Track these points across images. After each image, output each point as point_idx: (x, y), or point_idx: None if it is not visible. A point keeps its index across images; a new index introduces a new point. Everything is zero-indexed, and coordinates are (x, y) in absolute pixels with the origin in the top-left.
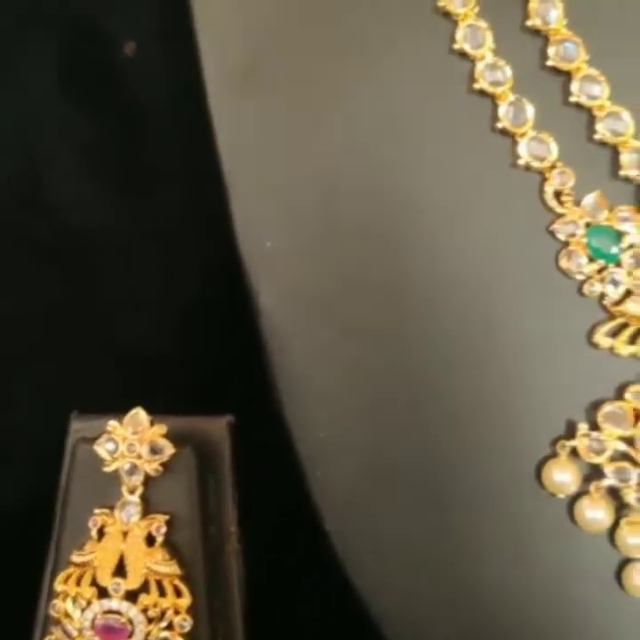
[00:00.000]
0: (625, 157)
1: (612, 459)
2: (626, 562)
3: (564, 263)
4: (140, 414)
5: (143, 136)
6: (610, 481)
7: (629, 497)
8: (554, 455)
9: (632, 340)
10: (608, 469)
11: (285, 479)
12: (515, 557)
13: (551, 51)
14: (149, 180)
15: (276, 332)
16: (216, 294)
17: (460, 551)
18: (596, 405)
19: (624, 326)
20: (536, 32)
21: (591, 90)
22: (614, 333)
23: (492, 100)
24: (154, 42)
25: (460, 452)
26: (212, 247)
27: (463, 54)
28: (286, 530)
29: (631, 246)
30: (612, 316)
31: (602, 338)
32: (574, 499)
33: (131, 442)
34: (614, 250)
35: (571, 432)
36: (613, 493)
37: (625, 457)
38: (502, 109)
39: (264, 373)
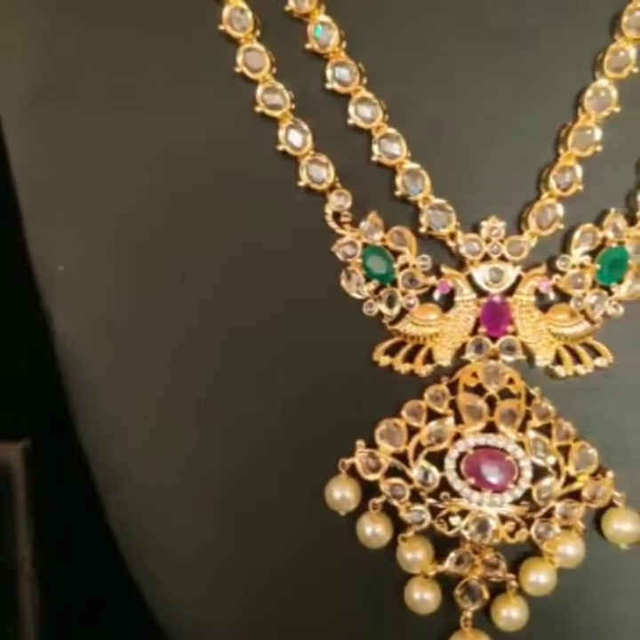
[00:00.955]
0: (399, 179)
1: (388, 475)
2: (407, 577)
3: (344, 284)
4: None
5: None
6: (385, 497)
7: (402, 513)
8: (337, 473)
9: (409, 358)
10: (383, 486)
11: (82, 503)
12: (302, 573)
13: (329, 74)
14: None
15: (71, 355)
16: (12, 317)
17: (252, 569)
18: (375, 423)
19: (402, 345)
20: (318, 55)
21: (367, 112)
22: (393, 352)
23: (275, 123)
24: None
25: (250, 471)
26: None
27: (246, 77)
28: (83, 553)
29: (405, 266)
30: (390, 335)
31: (381, 356)
32: (356, 515)
33: None
34: (387, 270)
35: (351, 450)
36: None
37: (398, 473)
38: (282, 132)
39: (60, 398)
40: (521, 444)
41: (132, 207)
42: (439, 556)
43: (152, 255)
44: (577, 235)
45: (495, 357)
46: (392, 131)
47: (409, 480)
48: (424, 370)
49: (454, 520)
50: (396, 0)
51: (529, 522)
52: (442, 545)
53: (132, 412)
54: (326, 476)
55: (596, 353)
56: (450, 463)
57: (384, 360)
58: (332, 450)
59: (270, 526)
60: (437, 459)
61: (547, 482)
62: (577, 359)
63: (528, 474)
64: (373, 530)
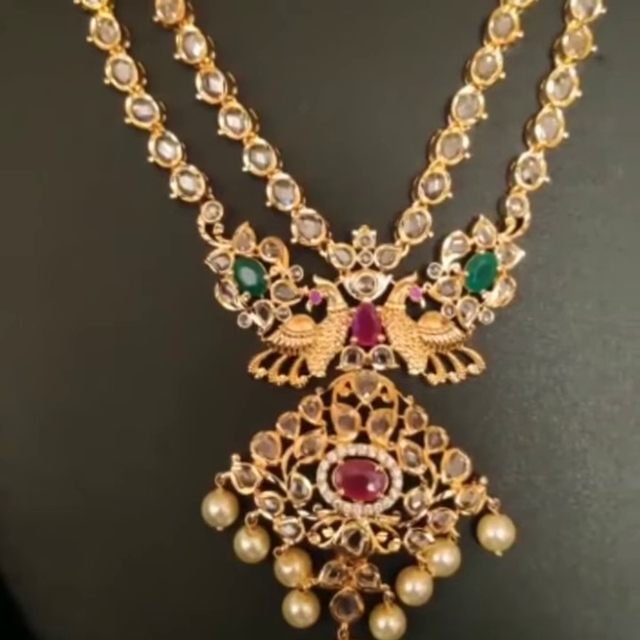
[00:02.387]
0: (270, 190)
1: (263, 488)
2: (286, 590)
3: (218, 295)
4: None
5: None
6: (260, 511)
7: (278, 527)
8: (214, 487)
9: (284, 370)
10: (257, 500)
11: None
12: (181, 590)
13: (199, 84)
14: None
15: None
16: None
17: (133, 588)
18: (252, 435)
19: (276, 356)
20: (188, 66)
21: (237, 123)
22: (268, 363)
23: (145, 134)
24: None
25: (127, 488)
26: None
27: (115, 89)
28: None
29: (278, 277)
30: (265, 347)
31: (256, 368)
32: (233, 531)
33: None
34: (258, 282)
35: (228, 463)
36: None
37: (272, 487)
38: (152, 144)
39: None
40: (392, 453)
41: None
42: (317, 568)
43: (22, 268)
44: (447, 242)
45: (369, 367)
46: (262, 141)
47: (283, 493)
48: (299, 381)
49: (327, 532)
50: (267, 8)
51: (402, 531)
52: (320, 557)
53: (7, 436)
54: (203, 490)
55: (468, 360)
56: (321, 474)
57: (259, 372)
58: (209, 464)
59: (148, 544)
60: (311, 470)
61: (417, 490)
62: (450, 366)
63: (399, 483)
64: (251, 544)
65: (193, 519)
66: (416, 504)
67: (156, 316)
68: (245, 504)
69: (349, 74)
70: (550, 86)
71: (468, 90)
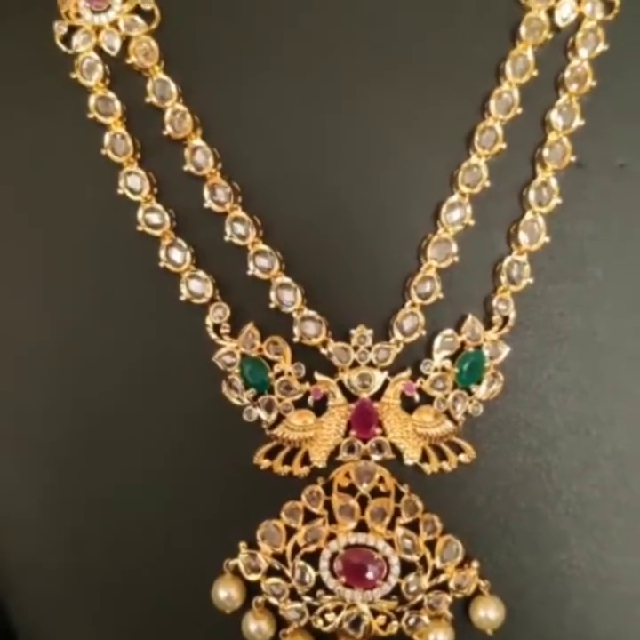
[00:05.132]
0: (273, 293)
1: (268, 574)
2: None
3: (225, 391)
4: None
5: None
6: (266, 596)
7: (283, 611)
8: (222, 573)
9: (287, 461)
10: (264, 586)
11: None
12: None
13: (206, 194)
14: None
15: None
16: None
17: None
18: (258, 523)
19: (280, 448)
20: (196, 177)
21: (241, 230)
22: (272, 454)
23: (157, 240)
24: None
25: (136, 574)
26: None
27: (128, 198)
28: None
29: (281, 374)
30: (269, 439)
31: (261, 459)
32: (241, 614)
33: None
34: (263, 379)
35: (236, 550)
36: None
37: (278, 573)
38: (163, 251)
39: None
40: (390, 541)
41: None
42: None
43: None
44: (438, 340)
45: (367, 457)
46: (265, 247)
47: (288, 579)
48: (302, 471)
49: (329, 616)
50: (266, 120)
51: (400, 614)
52: (323, 639)
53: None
54: (212, 576)
55: (459, 449)
56: (323, 562)
57: (264, 463)
58: (217, 550)
59: (159, 628)
60: (314, 557)
61: (414, 576)
62: (442, 456)
63: (397, 569)
64: (258, 627)
65: (202, 603)
66: (412, 589)
67: (165, 410)
68: (252, 588)
69: (342, 177)
70: (532, 194)
71: (455, 198)
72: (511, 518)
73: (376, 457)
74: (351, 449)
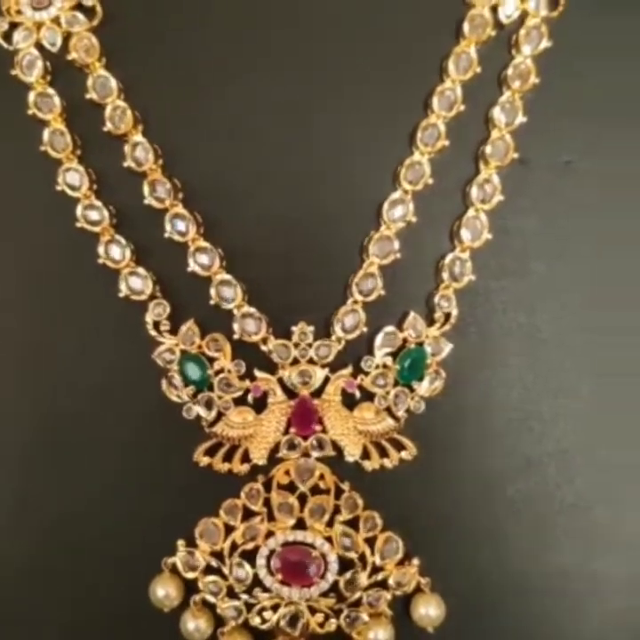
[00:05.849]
0: (213, 289)
1: (206, 573)
2: None
3: (165, 388)
4: None
5: None
6: (204, 594)
7: (221, 609)
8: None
9: (227, 458)
10: (201, 583)
11: None
12: None
13: (146, 190)
14: None
15: None
16: None
17: None
18: (196, 522)
19: (220, 445)
20: (135, 172)
21: (182, 226)
22: (212, 452)
23: (96, 237)
24: None
25: (74, 572)
26: None
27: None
28: None
29: (221, 371)
30: (209, 436)
31: (201, 457)
32: (179, 612)
33: None
34: (202, 377)
35: (174, 548)
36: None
37: (215, 571)
38: (101, 247)
39: None
40: (329, 539)
41: None
42: None
43: None
44: (379, 337)
45: (308, 455)
46: (206, 244)
47: (225, 577)
48: (241, 469)
49: (267, 614)
50: (210, 116)
51: (338, 612)
52: (262, 637)
53: None
54: (151, 574)
55: (401, 447)
56: (261, 560)
57: (204, 460)
58: (157, 548)
59: (97, 625)
60: (253, 555)
61: (352, 574)
62: (384, 453)
63: (335, 567)
64: (196, 625)
65: (140, 601)
66: (350, 586)
67: (105, 408)
68: (191, 586)
69: (285, 175)
70: (474, 191)
71: (397, 195)
72: (453, 515)
73: (316, 454)
74: (292, 446)
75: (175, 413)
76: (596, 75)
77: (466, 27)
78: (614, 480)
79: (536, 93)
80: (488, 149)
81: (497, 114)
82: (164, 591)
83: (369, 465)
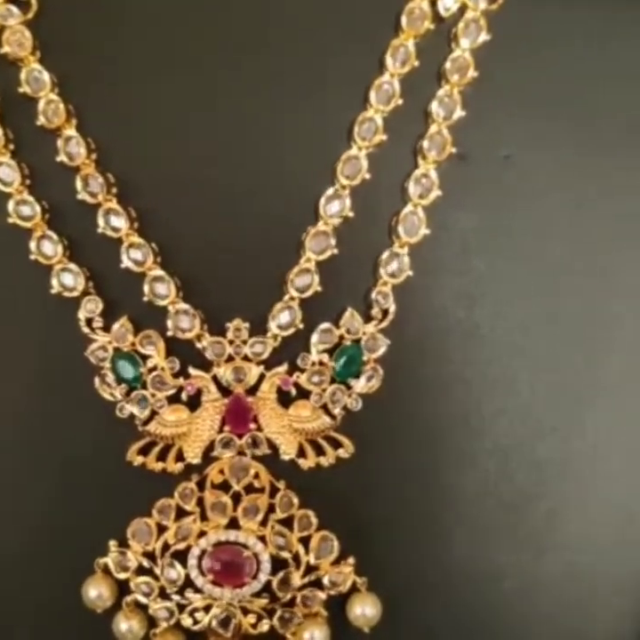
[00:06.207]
0: (147, 286)
1: (138, 573)
2: None
3: (98, 386)
4: None
5: None
6: (136, 595)
7: (153, 610)
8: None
9: (161, 457)
10: (133, 584)
11: None
12: None
13: (79, 185)
14: None
15: None
16: None
17: None
18: (130, 522)
19: (154, 444)
20: (68, 167)
21: (115, 222)
22: (146, 451)
23: (28, 233)
24: None
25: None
26: None
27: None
28: None
29: (155, 368)
30: (142, 435)
31: (134, 456)
32: (113, 613)
33: None
34: (134, 375)
35: (107, 549)
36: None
37: (147, 571)
38: (33, 243)
39: None
40: (262, 538)
41: None
42: None
43: None
44: (315, 334)
45: (243, 453)
46: (139, 239)
47: (157, 577)
48: (175, 468)
49: (199, 615)
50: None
51: (272, 612)
52: (195, 638)
53: None
54: (83, 574)
55: (338, 444)
56: (192, 560)
57: (138, 459)
58: (89, 548)
59: (29, 627)
60: (185, 556)
61: (286, 574)
62: (320, 451)
63: (267, 566)
64: (129, 626)
65: (73, 602)
66: (284, 586)
67: (37, 406)
68: (125, 587)
69: (221, 170)
70: (412, 186)
71: (335, 189)
72: (391, 514)
73: (252, 452)
74: (226, 445)
75: (109, 412)
76: (535, 68)
77: (404, 20)
78: (553, 478)
79: (475, 87)
80: (426, 144)
81: (435, 108)
82: (96, 592)
83: (305, 463)
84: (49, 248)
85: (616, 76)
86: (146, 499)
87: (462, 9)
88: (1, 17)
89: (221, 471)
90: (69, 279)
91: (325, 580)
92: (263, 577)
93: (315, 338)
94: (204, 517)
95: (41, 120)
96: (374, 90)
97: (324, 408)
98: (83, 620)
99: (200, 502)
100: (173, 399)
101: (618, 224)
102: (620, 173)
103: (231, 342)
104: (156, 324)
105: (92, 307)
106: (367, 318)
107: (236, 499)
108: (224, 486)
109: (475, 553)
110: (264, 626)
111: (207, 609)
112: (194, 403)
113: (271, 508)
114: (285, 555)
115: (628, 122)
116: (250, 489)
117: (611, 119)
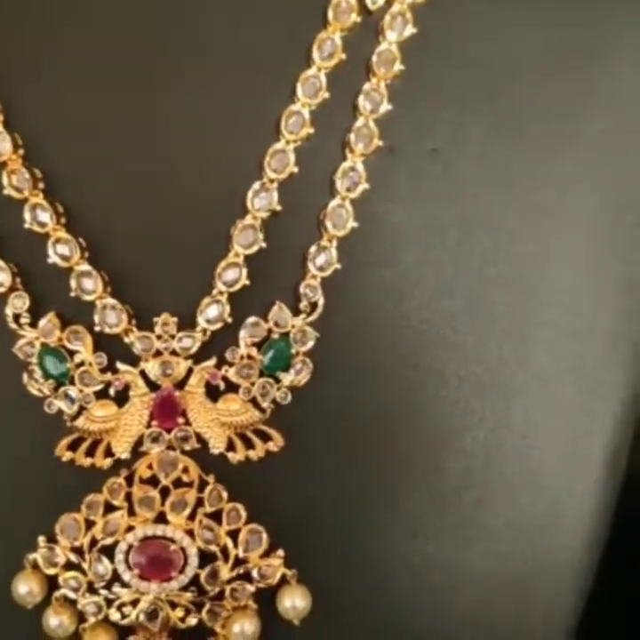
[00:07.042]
0: (73, 281)
1: (67, 568)
2: None
3: (26, 382)
4: None
5: None
6: (64, 590)
7: (81, 605)
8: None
9: (90, 453)
10: (62, 579)
11: None
12: None
13: (5, 180)
14: None
15: None
16: None
17: None
18: (59, 517)
19: (82, 440)
20: None
21: (42, 217)
22: (75, 446)
23: None
24: None
25: None
26: None
27: None
28: None
29: (82, 364)
30: (71, 431)
31: (63, 451)
32: (43, 608)
33: None
34: (61, 370)
35: (36, 545)
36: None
37: (76, 567)
38: None
39: None
40: (190, 532)
41: None
42: None
43: None
44: (244, 328)
45: (173, 448)
46: (66, 234)
47: (85, 573)
48: (104, 463)
49: (127, 609)
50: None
51: (200, 605)
52: (126, 632)
53: None
54: (13, 570)
55: (268, 438)
56: (119, 555)
57: (66, 455)
58: (19, 545)
59: None
60: (113, 550)
61: (213, 567)
62: (250, 444)
63: (195, 561)
64: (59, 621)
65: (4, 598)
66: (211, 580)
67: None
68: (54, 583)
69: (149, 164)
70: (339, 179)
71: (262, 183)
72: (320, 506)
73: (181, 447)
74: (155, 439)
75: (37, 407)
76: (461, 61)
77: (331, 13)
78: (482, 469)
79: (401, 80)
80: (353, 137)
81: (362, 101)
82: (26, 588)
83: (234, 457)
84: None
85: (541, 70)
86: (75, 494)
87: (389, 2)
88: None
89: (150, 466)
90: None
91: (254, 573)
92: (190, 571)
93: (243, 332)
94: (132, 512)
95: None
96: (301, 83)
97: (254, 402)
98: (14, 616)
99: (128, 497)
100: (101, 394)
101: (543, 216)
102: (544, 166)
103: (159, 337)
104: (84, 319)
105: (19, 303)
106: (296, 312)
107: (165, 493)
108: (153, 481)
109: (404, 544)
110: (192, 620)
111: (135, 603)
112: (122, 398)
113: (201, 503)
114: (213, 548)
115: (552, 115)
116: (179, 483)
117: (535, 112)
